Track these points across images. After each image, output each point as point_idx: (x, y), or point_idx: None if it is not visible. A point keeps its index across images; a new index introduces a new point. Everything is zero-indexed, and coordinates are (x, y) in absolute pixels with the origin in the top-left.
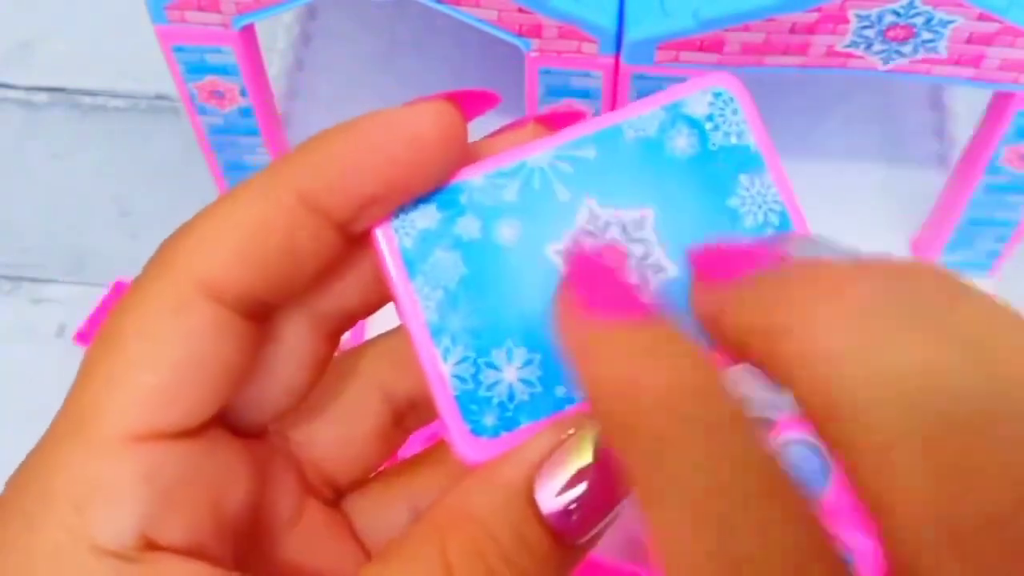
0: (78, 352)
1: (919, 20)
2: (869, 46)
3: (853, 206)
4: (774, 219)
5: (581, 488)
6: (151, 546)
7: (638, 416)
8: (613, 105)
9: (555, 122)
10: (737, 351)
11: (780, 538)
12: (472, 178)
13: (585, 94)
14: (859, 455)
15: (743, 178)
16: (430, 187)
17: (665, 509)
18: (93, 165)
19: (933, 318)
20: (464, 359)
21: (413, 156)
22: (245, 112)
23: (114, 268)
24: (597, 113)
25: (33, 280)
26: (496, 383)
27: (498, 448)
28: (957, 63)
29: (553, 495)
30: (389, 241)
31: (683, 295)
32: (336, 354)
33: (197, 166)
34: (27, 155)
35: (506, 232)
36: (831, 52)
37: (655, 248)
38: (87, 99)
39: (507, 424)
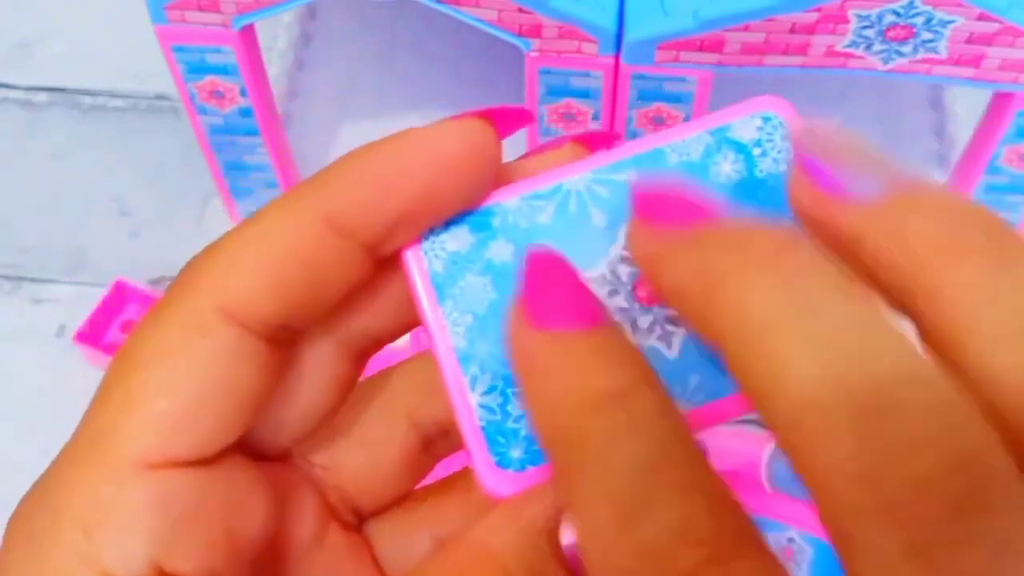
0: (78, 352)
1: (919, 20)
2: (869, 46)
3: None
4: None
5: None
6: (162, 574)
7: (568, 420)
8: (613, 105)
9: (591, 143)
10: (670, 303)
11: (695, 534)
12: (506, 200)
13: (585, 94)
14: (791, 432)
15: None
16: (461, 208)
17: (588, 512)
18: (93, 165)
19: (857, 289)
20: (492, 388)
21: (442, 176)
22: (245, 112)
23: (114, 268)
24: (597, 114)
25: (33, 280)
26: (524, 415)
27: (524, 482)
28: (957, 63)
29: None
30: (419, 264)
31: None
32: (362, 377)
33: (197, 166)
34: (27, 155)
35: None
36: (831, 52)
37: None
38: (87, 99)
39: (534, 458)
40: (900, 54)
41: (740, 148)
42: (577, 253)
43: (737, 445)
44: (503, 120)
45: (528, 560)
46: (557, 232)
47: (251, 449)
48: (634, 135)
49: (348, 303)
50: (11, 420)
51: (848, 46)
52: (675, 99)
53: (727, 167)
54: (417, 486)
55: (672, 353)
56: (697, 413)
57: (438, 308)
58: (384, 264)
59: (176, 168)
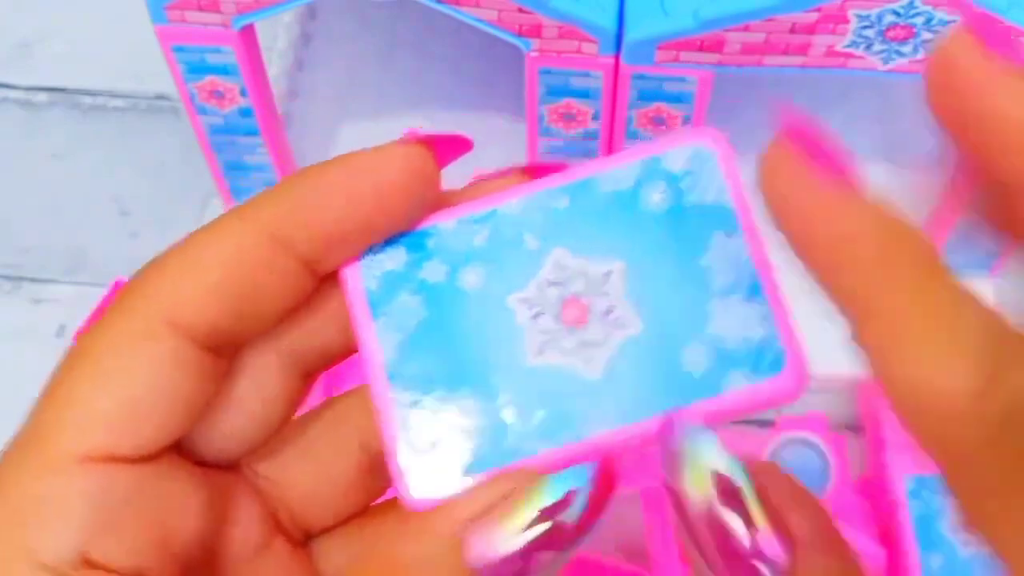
0: None
1: (919, 20)
2: (869, 46)
3: None
4: (745, 281)
5: (514, 546)
6: (90, 565)
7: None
8: (613, 105)
9: (538, 172)
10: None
11: None
12: (444, 222)
13: (585, 94)
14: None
15: (717, 237)
16: (398, 229)
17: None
18: (93, 165)
19: None
20: (417, 404)
21: (379, 199)
22: (245, 112)
23: (114, 268)
24: (597, 114)
25: (33, 280)
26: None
27: (442, 496)
28: None
29: (485, 550)
30: (355, 281)
31: (646, 354)
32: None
33: (197, 166)
34: (27, 155)
35: (471, 278)
36: (831, 52)
37: (620, 303)
38: (87, 99)
39: None
40: (900, 54)
41: (670, 178)
42: (506, 276)
43: (737, 445)
44: (443, 147)
45: (436, 572)
46: (490, 254)
47: (193, 454)
48: (634, 135)
49: (292, 319)
50: (11, 420)
51: (848, 46)
52: (675, 99)
53: (656, 196)
54: (365, 508)
55: (593, 374)
56: (609, 435)
57: (371, 324)
58: (327, 282)
59: (176, 168)
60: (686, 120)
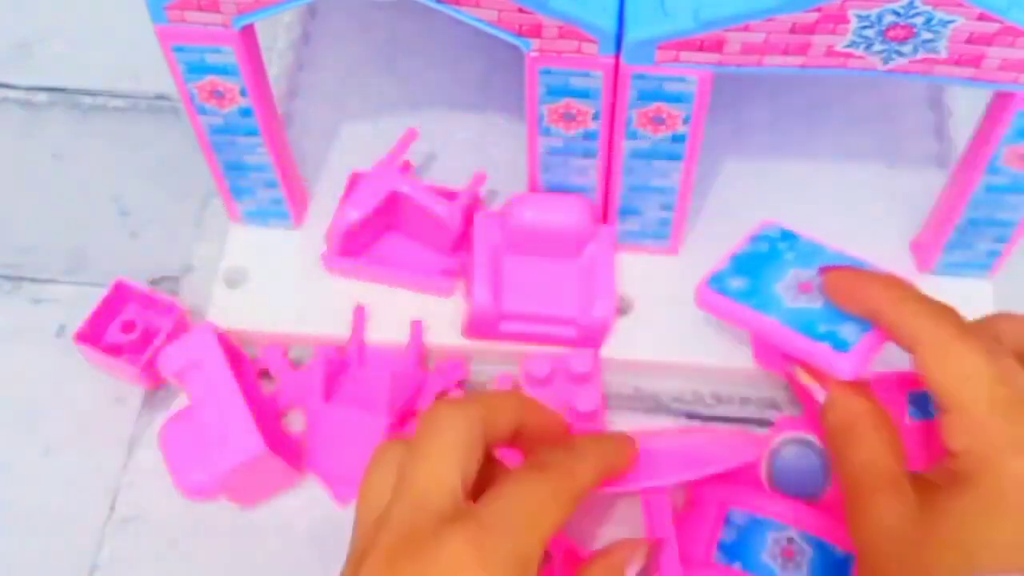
0: (78, 352)
1: (919, 20)
2: (869, 46)
3: (853, 206)
4: (863, 325)
5: None
6: (464, 490)
7: None
8: (613, 105)
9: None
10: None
11: None
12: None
13: (585, 94)
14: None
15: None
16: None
17: None
18: (93, 165)
19: None
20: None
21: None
22: (245, 112)
23: (114, 268)
24: (597, 114)
25: (33, 280)
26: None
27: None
28: (957, 63)
29: None
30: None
31: (809, 313)
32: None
33: (197, 166)
34: (27, 155)
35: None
36: (831, 52)
37: (824, 298)
38: (87, 99)
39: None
40: (900, 54)
41: None
42: (782, 273)
43: (737, 445)
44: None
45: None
46: (790, 263)
47: None
48: (634, 135)
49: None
50: (11, 420)
51: (848, 46)
52: (675, 99)
53: None
54: None
55: (788, 305)
56: (787, 329)
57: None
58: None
59: (176, 168)
60: (686, 120)
